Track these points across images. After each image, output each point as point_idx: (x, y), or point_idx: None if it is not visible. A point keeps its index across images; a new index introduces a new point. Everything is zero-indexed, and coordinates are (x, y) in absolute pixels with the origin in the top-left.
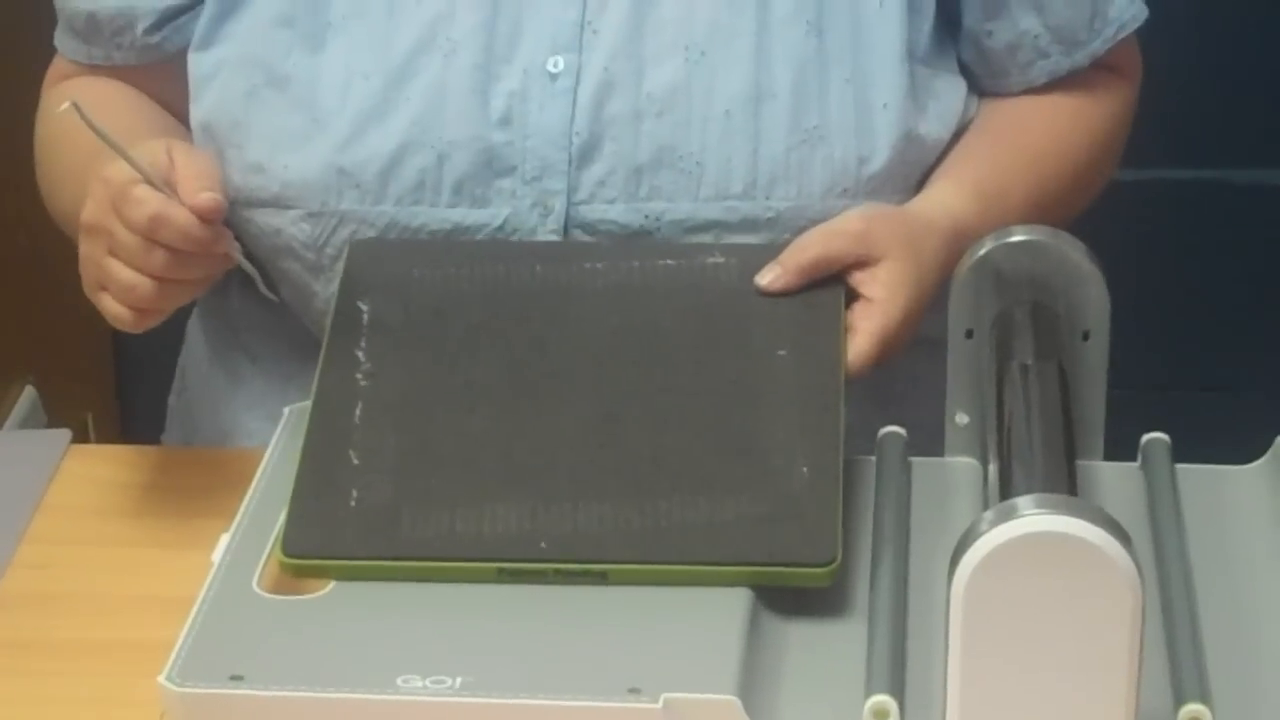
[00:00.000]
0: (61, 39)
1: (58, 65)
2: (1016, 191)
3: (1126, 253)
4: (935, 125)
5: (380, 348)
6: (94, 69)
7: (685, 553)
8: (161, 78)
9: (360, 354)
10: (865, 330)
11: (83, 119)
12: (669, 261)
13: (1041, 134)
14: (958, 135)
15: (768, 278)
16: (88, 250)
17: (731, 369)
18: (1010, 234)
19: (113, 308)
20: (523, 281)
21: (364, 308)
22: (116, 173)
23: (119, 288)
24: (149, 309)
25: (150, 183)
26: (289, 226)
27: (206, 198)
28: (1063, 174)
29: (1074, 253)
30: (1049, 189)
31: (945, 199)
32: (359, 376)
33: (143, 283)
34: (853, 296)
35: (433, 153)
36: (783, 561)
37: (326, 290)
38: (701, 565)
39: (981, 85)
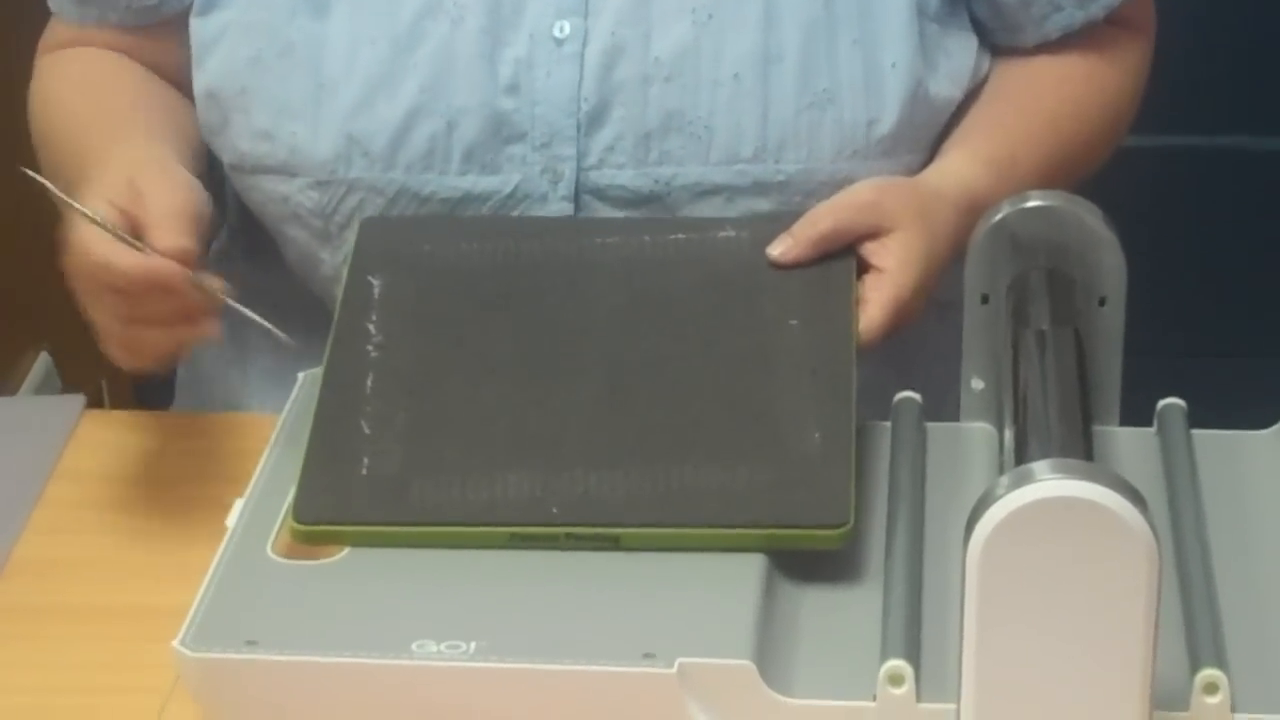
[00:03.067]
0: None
1: (53, 30)
2: (1029, 158)
3: (1143, 218)
4: (946, 84)
5: (391, 321)
6: (87, 32)
7: (697, 516)
8: (158, 40)
9: (371, 327)
10: (877, 300)
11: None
12: (680, 235)
13: (1055, 97)
14: (972, 94)
15: (779, 249)
16: (79, 302)
17: (743, 339)
18: (1026, 199)
19: (107, 351)
20: (534, 256)
21: (375, 282)
22: (81, 232)
23: (100, 333)
24: (134, 352)
25: (110, 231)
26: (296, 194)
27: (174, 245)
28: (1077, 137)
29: (1090, 218)
30: (1063, 153)
31: (957, 168)
32: (370, 349)
33: (111, 326)
34: (864, 268)
35: (442, 120)
36: (795, 524)
37: (334, 259)
38: (713, 528)
39: (995, 41)
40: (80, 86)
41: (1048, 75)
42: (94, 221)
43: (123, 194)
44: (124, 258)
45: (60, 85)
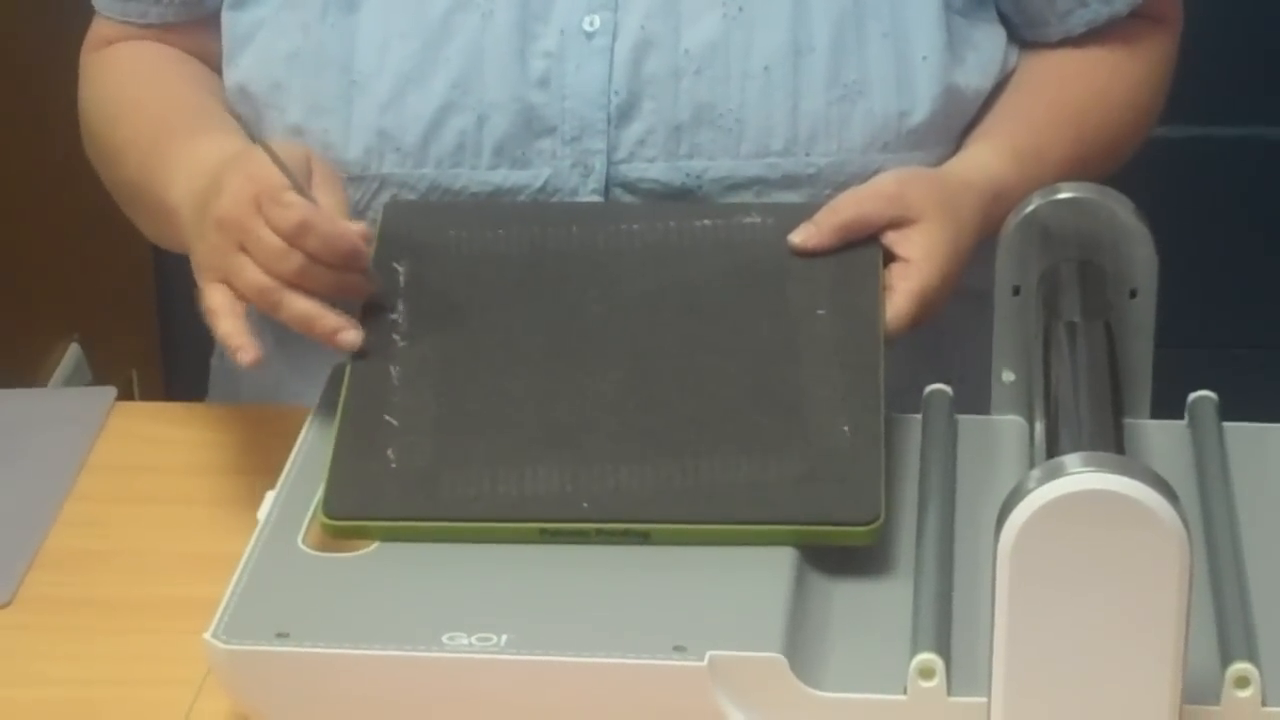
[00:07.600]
0: None
1: (97, 28)
2: (1055, 150)
3: (1174, 210)
4: (975, 76)
5: (417, 309)
6: (129, 30)
7: (727, 512)
8: (199, 36)
9: (397, 316)
10: (903, 290)
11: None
12: (706, 222)
13: (1080, 90)
14: (998, 86)
15: (800, 236)
16: (217, 242)
17: (770, 328)
18: (1058, 191)
19: (219, 299)
20: (559, 243)
21: (400, 269)
22: (264, 172)
23: (247, 286)
24: (273, 306)
25: (301, 192)
26: None
27: (361, 226)
28: (1102, 130)
29: (1122, 210)
30: (1088, 146)
31: (983, 159)
32: (396, 338)
33: (274, 286)
34: (889, 257)
35: (473, 114)
36: (826, 520)
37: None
38: (744, 525)
39: (1020, 35)
40: (152, 76)
41: (1072, 68)
42: (292, 178)
43: (301, 162)
44: (324, 219)
45: (124, 82)
